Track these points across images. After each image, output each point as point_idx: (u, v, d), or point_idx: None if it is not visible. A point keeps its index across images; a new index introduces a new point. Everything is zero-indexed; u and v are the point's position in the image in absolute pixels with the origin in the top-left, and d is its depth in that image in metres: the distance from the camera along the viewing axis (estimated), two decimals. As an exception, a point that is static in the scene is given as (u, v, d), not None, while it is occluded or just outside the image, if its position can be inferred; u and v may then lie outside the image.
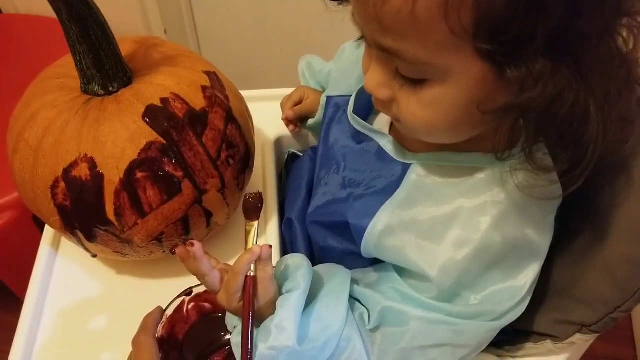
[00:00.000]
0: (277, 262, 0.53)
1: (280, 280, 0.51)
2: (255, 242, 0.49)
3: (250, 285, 0.47)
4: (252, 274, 0.48)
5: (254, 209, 0.50)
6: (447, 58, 0.39)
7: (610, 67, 0.38)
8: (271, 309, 0.49)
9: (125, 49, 0.60)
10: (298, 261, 0.52)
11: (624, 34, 0.38)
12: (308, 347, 0.48)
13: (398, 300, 0.52)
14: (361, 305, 0.54)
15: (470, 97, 0.41)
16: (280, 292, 0.50)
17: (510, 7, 0.34)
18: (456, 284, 0.49)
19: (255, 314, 0.48)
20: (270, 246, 0.48)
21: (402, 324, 0.50)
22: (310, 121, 0.78)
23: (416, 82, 0.42)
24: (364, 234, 0.53)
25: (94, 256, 0.67)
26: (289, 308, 0.47)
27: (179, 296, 0.56)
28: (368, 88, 0.46)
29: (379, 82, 0.45)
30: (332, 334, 0.50)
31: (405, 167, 0.54)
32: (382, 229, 0.52)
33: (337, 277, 0.55)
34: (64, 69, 0.60)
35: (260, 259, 0.47)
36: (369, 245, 0.54)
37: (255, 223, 0.50)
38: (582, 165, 0.41)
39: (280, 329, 0.46)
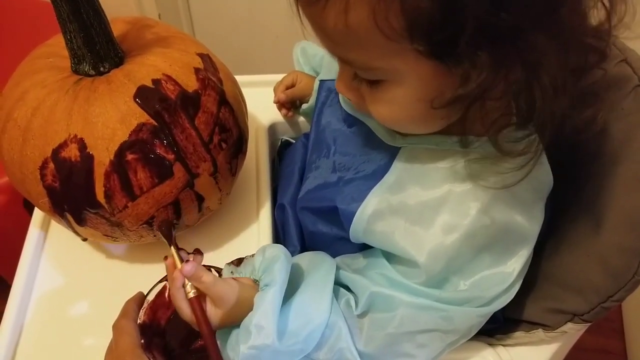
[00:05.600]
0: (256, 253, 0.53)
1: (259, 273, 0.51)
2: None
3: (196, 307, 0.48)
4: (192, 295, 0.49)
5: (168, 234, 0.52)
6: (392, 61, 0.40)
7: (563, 48, 0.38)
8: (245, 307, 0.49)
9: (117, 29, 0.59)
10: (275, 252, 0.51)
11: (588, 10, 0.39)
12: (289, 342, 0.48)
13: (386, 285, 0.51)
14: (347, 292, 0.54)
15: (424, 94, 0.42)
16: (258, 285, 0.50)
17: (435, 9, 0.35)
18: (445, 270, 0.49)
19: (220, 325, 0.49)
20: (188, 260, 0.49)
21: (390, 309, 0.50)
22: (304, 106, 0.77)
23: (373, 83, 0.44)
24: (352, 218, 0.53)
25: (84, 240, 0.66)
26: (266, 306, 0.47)
27: (160, 281, 0.56)
28: (338, 90, 0.49)
29: (345, 85, 0.48)
30: (314, 327, 0.50)
31: (395, 151, 0.54)
32: (371, 213, 0.52)
33: (321, 269, 0.55)
34: (54, 48, 0.59)
35: (191, 279, 0.48)
36: (357, 230, 0.54)
37: (172, 248, 0.51)
38: (539, 147, 0.42)
39: (259, 328, 0.47)
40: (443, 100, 0.41)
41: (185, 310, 0.49)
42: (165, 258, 0.51)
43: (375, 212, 0.52)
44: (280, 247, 0.53)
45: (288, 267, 0.51)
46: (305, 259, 0.57)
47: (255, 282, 0.52)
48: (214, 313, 0.49)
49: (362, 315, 0.52)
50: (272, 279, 0.49)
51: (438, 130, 0.49)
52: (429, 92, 0.42)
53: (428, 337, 0.50)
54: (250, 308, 0.48)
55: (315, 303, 0.51)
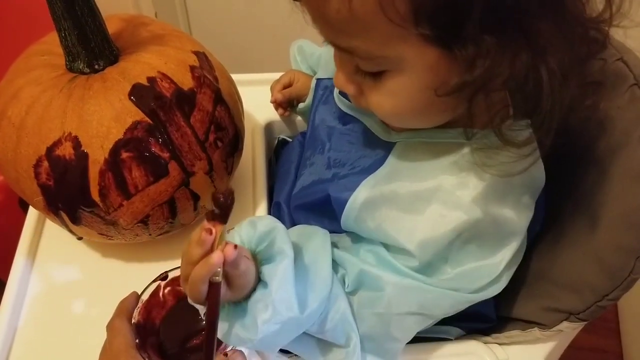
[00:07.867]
0: (245, 225, 0.49)
1: (254, 244, 0.47)
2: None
3: (217, 294, 0.43)
4: (218, 280, 0.42)
5: (226, 210, 0.43)
6: (396, 48, 0.40)
7: (568, 35, 0.38)
8: (245, 278, 0.45)
9: (112, 27, 0.59)
10: (270, 223, 0.48)
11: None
12: (307, 313, 0.47)
13: (374, 264, 0.52)
14: (341, 268, 0.54)
15: (427, 82, 0.42)
16: (254, 256, 0.47)
17: None
18: (434, 260, 0.49)
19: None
20: (236, 246, 0.42)
21: (377, 288, 0.50)
22: (301, 105, 0.77)
23: (376, 75, 0.43)
24: (344, 207, 0.53)
25: (80, 239, 0.66)
26: (282, 279, 0.45)
27: (154, 281, 0.55)
28: (336, 85, 0.48)
29: (344, 79, 0.47)
30: (323, 298, 0.49)
31: (390, 147, 0.54)
32: (363, 201, 0.52)
33: (316, 239, 0.54)
34: (49, 46, 0.59)
35: (229, 264, 0.42)
36: (349, 218, 0.53)
37: (224, 226, 0.43)
38: (543, 134, 0.42)
39: (281, 302, 0.45)
40: (448, 87, 0.40)
41: (202, 293, 0.43)
42: (209, 232, 0.42)
43: (367, 200, 0.52)
44: (271, 218, 0.50)
45: (288, 235, 0.48)
46: (297, 231, 0.56)
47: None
48: (225, 297, 0.45)
49: (352, 292, 0.52)
50: (280, 250, 0.47)
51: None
52: (433, 80, 0.41)
53: (414, 320, 0.50)
54: (248, 279, 0.46)
55: (320, 274, 0.50)
